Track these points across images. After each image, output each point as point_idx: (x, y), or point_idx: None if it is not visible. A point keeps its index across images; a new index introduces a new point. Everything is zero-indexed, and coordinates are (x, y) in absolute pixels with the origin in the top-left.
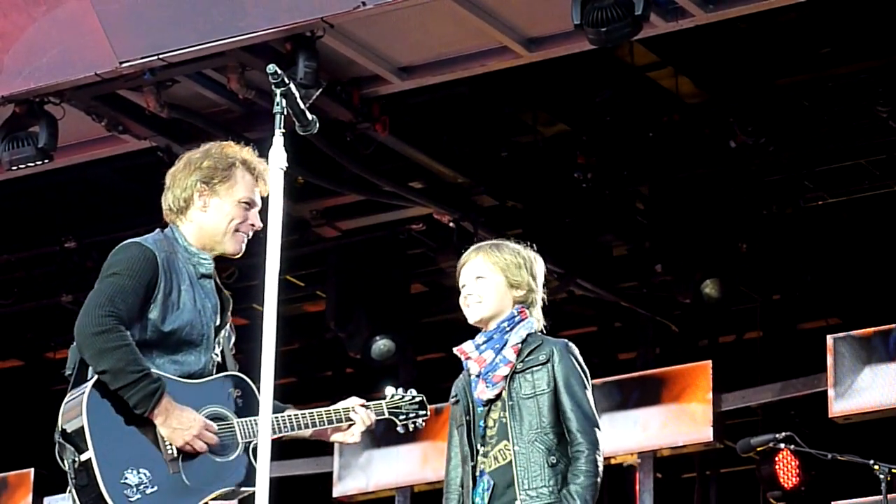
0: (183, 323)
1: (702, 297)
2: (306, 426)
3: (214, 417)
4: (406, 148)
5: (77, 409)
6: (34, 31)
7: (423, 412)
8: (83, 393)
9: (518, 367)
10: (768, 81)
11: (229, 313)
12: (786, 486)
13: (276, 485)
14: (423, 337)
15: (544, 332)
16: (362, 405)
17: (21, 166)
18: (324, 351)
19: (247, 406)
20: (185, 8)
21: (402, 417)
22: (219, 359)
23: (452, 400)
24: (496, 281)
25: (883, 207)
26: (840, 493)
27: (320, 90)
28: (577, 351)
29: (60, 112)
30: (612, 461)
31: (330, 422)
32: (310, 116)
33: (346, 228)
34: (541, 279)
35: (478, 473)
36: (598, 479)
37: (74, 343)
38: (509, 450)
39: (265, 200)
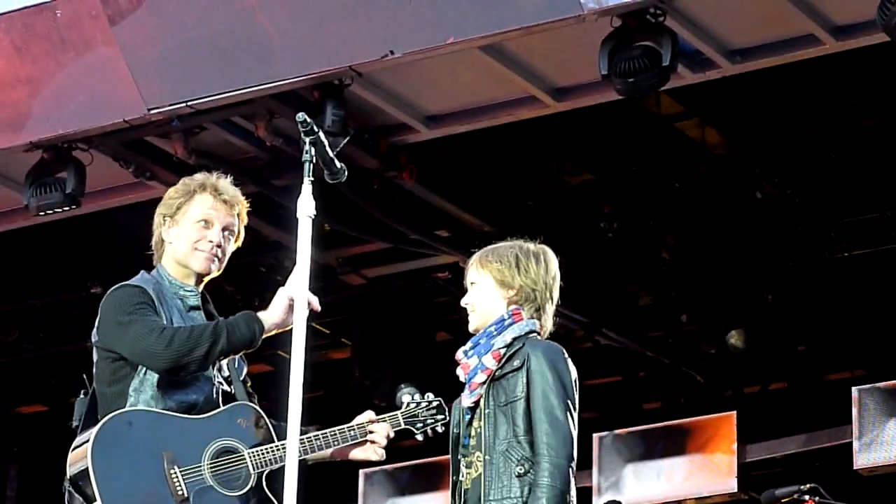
0: None
1: (727, 347)
2: (322, 447)
3: (224, 451)
4: (433, 196)
5: (83, 457)
6: (63, 77)
7: (442, 416)
8: (88, 441)
9: (497, 373)
10: (795, 133)
11: None
12: None
13: None
14: (448, 385)
15: (546, 335)
16: (377, 419)
17: (48, 212)
18: (349, 398)
19: (256, 435)
20: (213, 55)
21: (419, 426)
22: (226, 387)
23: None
24: (485, 284)
25: None
26: None
27: (348, 138)
28: (559, 356)
29: (88, 158)
30: None
31: (345, 440)
32: (339, 164)
33: (371, 276)
34: (544, 276)
35: (463, 489)
36: (563, 491)
37: (80, 396)
38: (481, 460)
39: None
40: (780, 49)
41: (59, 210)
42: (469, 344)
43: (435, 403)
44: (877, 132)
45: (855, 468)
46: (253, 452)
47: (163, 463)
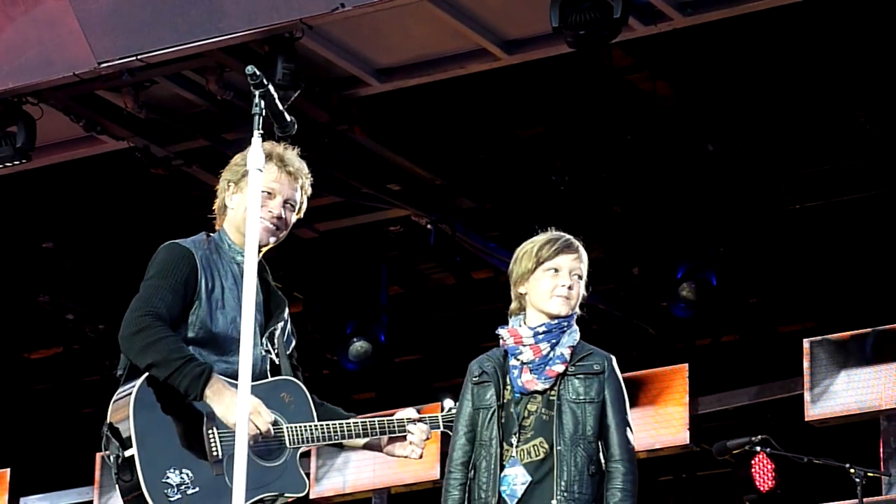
0: (227, 321)
1: (679, 300)
2: (360, 434)
3: None
4: (384, 150)
5: (125, 405)
6: (12, 31)
7: None
8: (132, 389)
9: (570, 369)
10: (746, 85)
11: (285, 314)
12: (761, 488)
13: None
14: (400, 338)
15: None
16: (417, 418)
17: None
18: (301, 352)
19: (298, 412)
20: (163, 9)
21: None
22: (275, 359)
23: (476, 378)
24: (582, 283)
25: (860, 212)
26: (815, 497)
27: (298, 92)
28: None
29: (38, 112)
30: None
31: (383, 431)
32: (289, 118)
33: (323, 230)
34: None
35: (506, 461)
36: (635, 498)
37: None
38: (544, 447)
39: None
40: (730, 1)
41: (10, 164)
42: (543, 328)
43: None
44: (828, 84)
45: (806, 419)
46: (292, 428)
47: (202, 421)
